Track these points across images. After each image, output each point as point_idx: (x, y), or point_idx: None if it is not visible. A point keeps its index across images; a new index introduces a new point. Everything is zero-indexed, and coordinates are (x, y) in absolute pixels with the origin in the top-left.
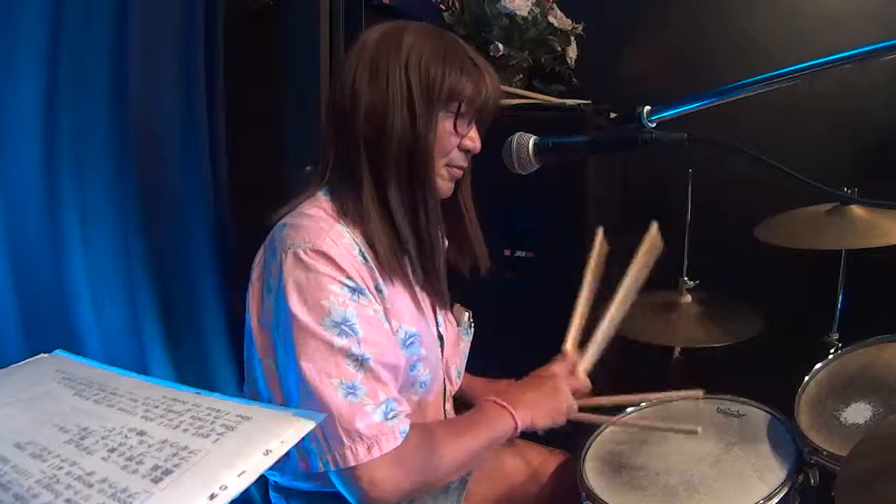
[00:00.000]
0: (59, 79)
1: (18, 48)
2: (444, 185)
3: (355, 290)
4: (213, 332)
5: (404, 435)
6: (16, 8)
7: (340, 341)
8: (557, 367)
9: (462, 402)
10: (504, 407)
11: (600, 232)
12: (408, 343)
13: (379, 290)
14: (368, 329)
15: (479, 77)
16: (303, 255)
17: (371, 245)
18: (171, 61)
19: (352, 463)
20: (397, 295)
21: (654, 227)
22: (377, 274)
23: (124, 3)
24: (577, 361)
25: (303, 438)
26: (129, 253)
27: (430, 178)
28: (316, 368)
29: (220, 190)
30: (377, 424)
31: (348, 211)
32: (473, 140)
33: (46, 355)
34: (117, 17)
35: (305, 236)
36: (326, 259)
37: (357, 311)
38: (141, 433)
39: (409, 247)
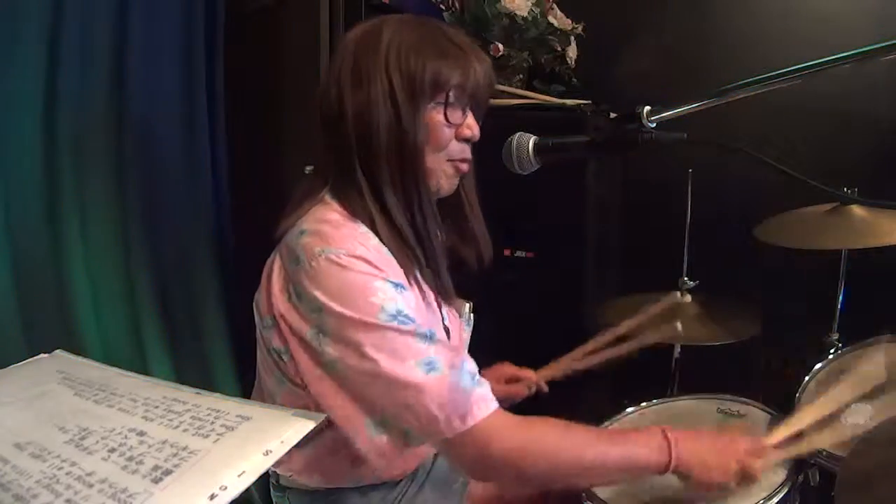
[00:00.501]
0: (59, 78)
1: (19, 48)
2: (446, 183)
3: (398, 286)
4: (213, 332)
5: (495, 404)
6: (16, 8)
7: (403, 327)
8: (746, 442)
9: None
10: (667, 440)
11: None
12: None
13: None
14: (420, 315)
15: (465, 61)
16: (339, 260)
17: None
18: (171, 61)
19: (448, 435)
20: (410, 291)
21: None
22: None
23: (124, 3)
24: (766, 450)
25: (395, 421)
26: (129, 253)
27: (423, 174)
28: (387, 357)
29: (219, 190)
30: (466, 391)
31: (358, 213)
32: (471, 128)
33: (46, 355)
34: (117, 16)
35: (333, 243)
36: (364, 261)
37: (406, 303)
38: (141, 433)
39: (412, 244)
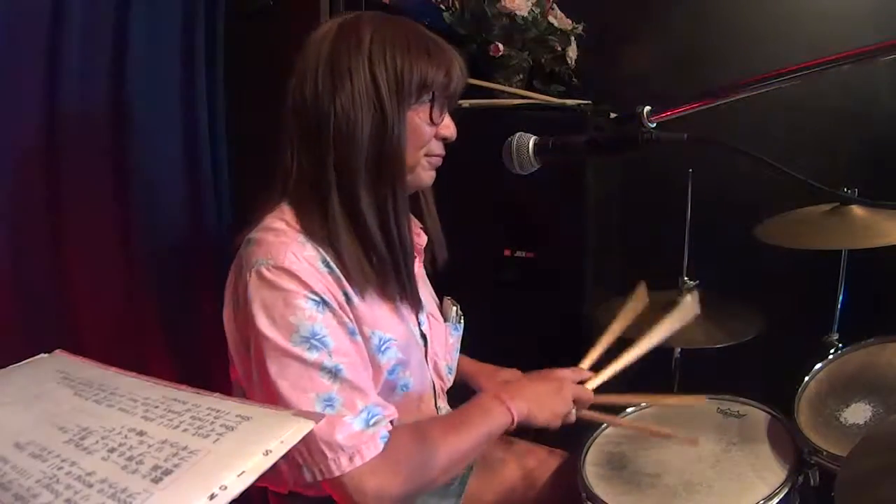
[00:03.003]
0: (59, 78)
1: (20, 48)
2: (426, 175)
3: (321, 303)
4: (212, 332)
5: (384, 440)
6: (17, 8)
7: (312, 355)
8: (567, 373)
9: (464, 390)
10: (500, 399)
11: (643, 287)
12: (383, 349)
13: (348, 299)
14: (339, 340)
15: (448, 63)
16: (266, 273)
17: (338, 254)
18: (171, 61)
19: (336, 473)
20: (370, 301)
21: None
22: (345, 282)
23: (124, 3)
24: (587, 376)
25: (290, 452)
26: (129, 253)
27: (401, 171)
28: (290, 385)
29: (220, 190)
30: (357, 434)
31: (313, 221)
32: (449, 128)
33: (46, 355)
34: (118, 17)
35: (268, 253)
36: (289, 275)
37: (325, 324)
38: (141, 433)
39: (380, 249)
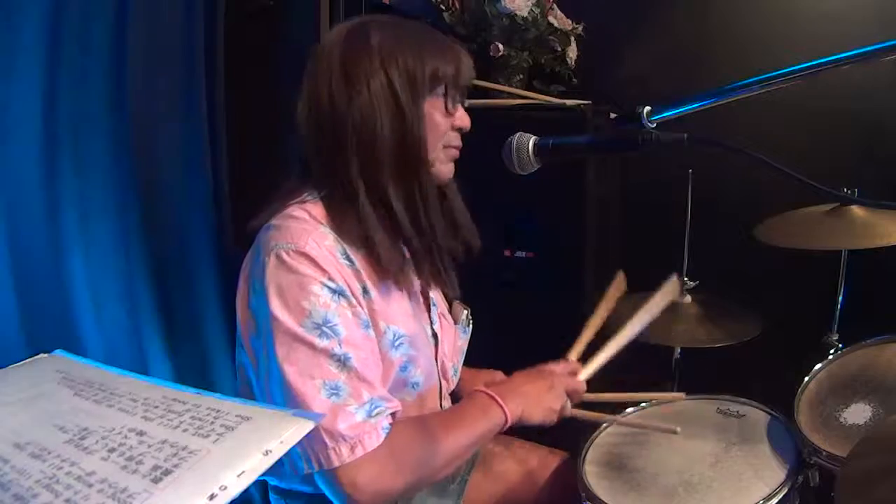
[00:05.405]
0: (59, 79)
1: (19, 48)
2: (445, 168)
3: (336, 292)
4: (213, 332)
5: (386, 431)
6: (16, 8)
7: (322, 342)
8: (558, 367)
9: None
10: (494, 399)
11: (621, 274)
12: (396, 344)
13: (366, 292)
14: (350, 330)
15: (456, 56)
16: (285, 257)
17: (369, 247)
18: (171, 61)
19: (335, 464)
20: (387, 296)
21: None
22: (364, 276)
23: (124, 3)
24: (577, 368)
25: None
26: (129, 253)
27: (425, 167)
28: (298, 370)
29: (219, 190)
30: (359, 424)
31: (346, 216)
32: (464, 119)
33: (46, 355)
34: (117, 16)
35: (288, 237)
36: (308, 260)
37: (338, 312)
38: (141, 433)
39: (413, 238)
